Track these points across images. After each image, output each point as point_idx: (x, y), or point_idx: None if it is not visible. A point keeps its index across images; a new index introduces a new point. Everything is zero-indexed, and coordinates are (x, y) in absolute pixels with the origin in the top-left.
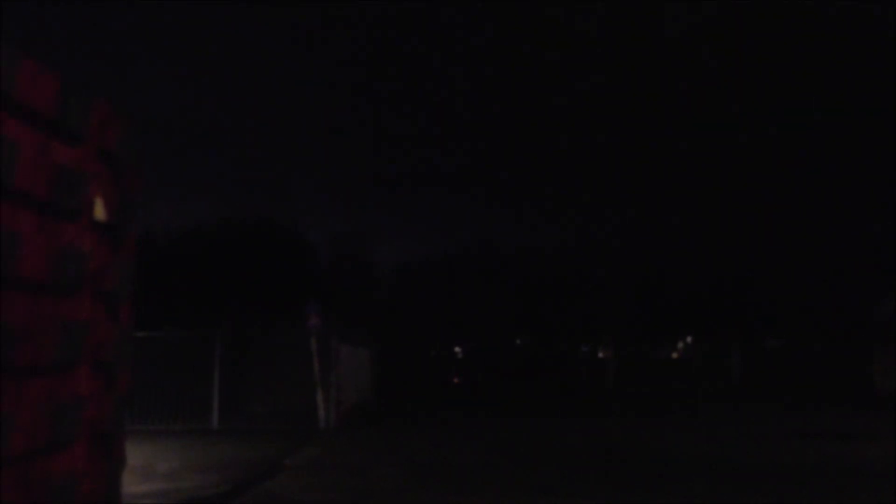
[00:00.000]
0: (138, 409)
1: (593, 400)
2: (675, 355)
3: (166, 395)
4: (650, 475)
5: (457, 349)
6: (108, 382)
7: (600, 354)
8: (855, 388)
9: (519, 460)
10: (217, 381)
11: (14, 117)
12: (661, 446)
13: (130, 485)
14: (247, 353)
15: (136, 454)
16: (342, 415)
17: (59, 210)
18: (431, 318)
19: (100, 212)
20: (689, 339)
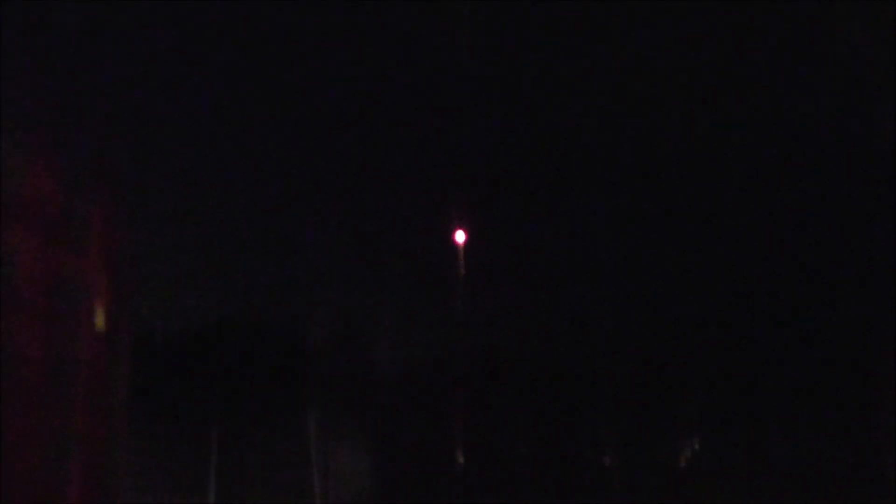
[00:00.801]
0: None
1: None
2: None
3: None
4: None
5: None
6: (102, 490)
7: None
8: None
9: None
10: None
11: (18, 223)
12: None
13: None
14: (244, 461)
15: None
16: None
17: (57, 316)
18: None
19: (100, 321)
20: None
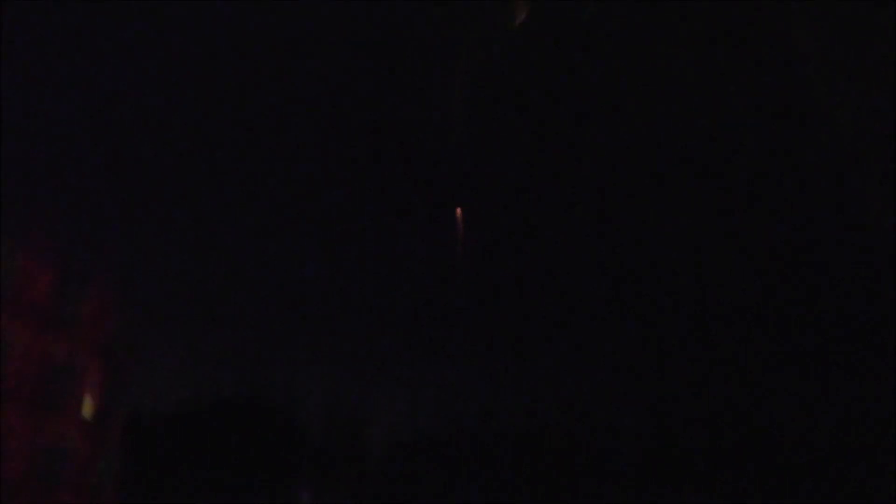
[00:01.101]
0: None
1: None
2: None
3: None
4: None
5: None
6: None
7: None
8: None
9: None
10: None
11: (6, 314)
12: None
13: None
14: None
15: None
16: None
17: (45, 405)
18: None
19: (88, 409)
20: None
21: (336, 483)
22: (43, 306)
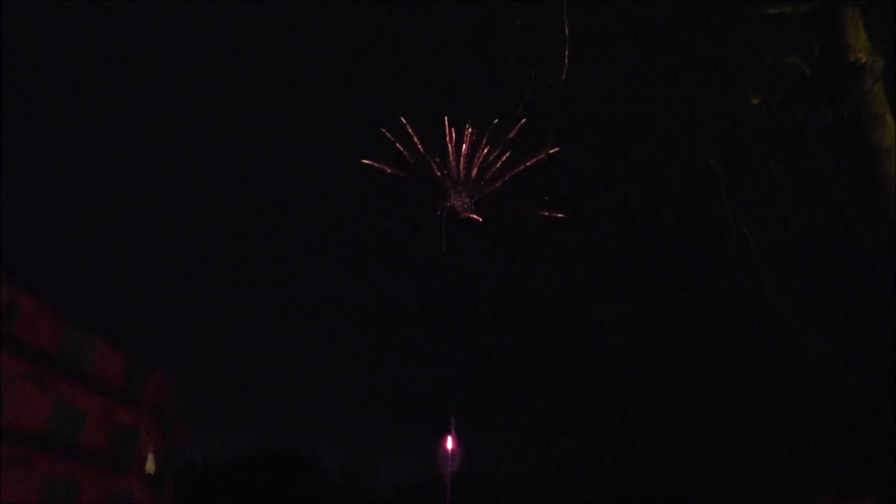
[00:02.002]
0: None
1: None
2: None
3: None
4: None
5: None
6: None
7: None
8: None
9: None
10: None
11: (87, 390)
12: None
13: None
14: None
15: None
16: None
17: (116, 463)
18: None
19: (150, 466)
20: None
21: None
22: (115, 383)
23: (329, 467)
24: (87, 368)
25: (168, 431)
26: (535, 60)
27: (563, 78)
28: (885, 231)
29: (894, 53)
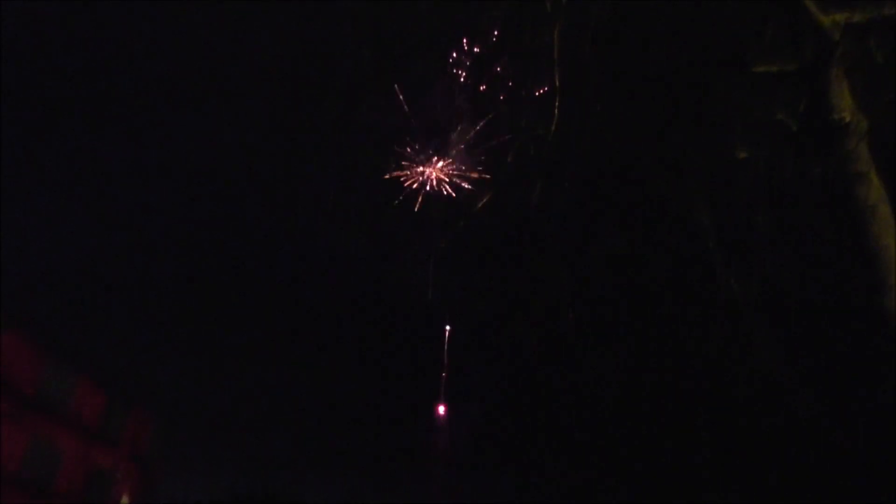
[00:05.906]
0: None
1: None
2: None
3: None
4: None
5: None
6: None
7: None
8: None
9: None
10: None
11: (65, 429)
12: None
13: None
14: None
15: None
16: None
17: None
18: None
19: None
20: None
21: None
22: (93, 423)
23: None
24: (66, 407)
25: (146, 474)
26: (526, 111)
27: (553, 129)
28: (871, 287)
29: (878, 114)
